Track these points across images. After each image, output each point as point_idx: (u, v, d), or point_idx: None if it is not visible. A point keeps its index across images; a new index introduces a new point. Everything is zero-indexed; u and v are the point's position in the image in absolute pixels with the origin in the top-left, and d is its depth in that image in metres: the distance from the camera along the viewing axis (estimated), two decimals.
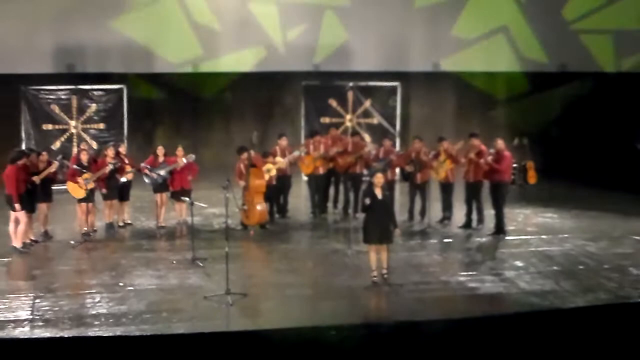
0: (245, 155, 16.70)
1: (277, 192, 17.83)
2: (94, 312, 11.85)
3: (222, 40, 23.16)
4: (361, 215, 13.99)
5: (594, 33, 24.32)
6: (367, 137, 21.24)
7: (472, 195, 17.04)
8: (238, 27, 23.16)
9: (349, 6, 23.31)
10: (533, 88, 24.64)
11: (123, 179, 16.94)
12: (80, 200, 16.14)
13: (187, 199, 15.32)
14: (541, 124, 24.14)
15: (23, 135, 21.17)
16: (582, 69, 24.10)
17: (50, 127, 21.47)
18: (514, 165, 19.60)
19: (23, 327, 11.22)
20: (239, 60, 23.36)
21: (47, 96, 21.49)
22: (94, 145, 21.09)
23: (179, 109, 23.75)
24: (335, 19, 23.27)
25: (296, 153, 17.79)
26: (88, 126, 21.74)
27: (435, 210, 17.46)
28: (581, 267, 14.33)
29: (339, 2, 23.26)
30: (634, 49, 24.26)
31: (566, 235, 16.71)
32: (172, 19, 22.70)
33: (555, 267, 14.27)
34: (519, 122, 24.01)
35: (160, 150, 17.20)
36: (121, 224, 17.21)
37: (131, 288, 12.95)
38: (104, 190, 16.63)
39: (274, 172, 17.21)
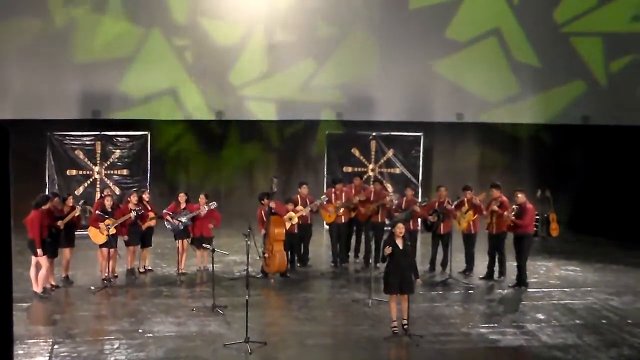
0: (266, 201, 16.75)
1: (298, 240, 17.82)
2: (112, 358, 11.84)
3: (245, 88, 23.33)
4: (382, 265, 13.94)
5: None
6: (389, 187, 21.19)
7: (495, 246, 16.95)
8: (262, 76, 23.33)
9: (374, 56, 23.42)
10: (556, 140, 24.58)
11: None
12: (102, 246, 16.18)
13: (208, 246, 15.33)
14: (564, 176, 24.05)
15: (47, 180, 21.26)
16: (605, 121, 23.99)
17: (74, 172, 21.52)
18: (537, 217, 19.49)
19: None
20: (262, 108, 23.52)
21: (72, 142, 21.56)
22: (117, 191, 21.13)
23: (203, 156, 23.89)
24: (360, 69, 23.40)
25: (317, 201, 17.80)
26: (112, 172, 21.78)
27: (458, 261, 17.38)
28: (604, 321, 14.20)
29: (363, 52, 23.38)
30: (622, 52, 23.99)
31: (589, 288, 16.57)
32: (197, 67, 22.92)
33: (577, 321, 14.15)
34: (541, 174, 23.95)
35: (181, 197, 17.22)
36: (142, 270, 17.22)
37: (150, 335, 12.94)
38: (126, 237, 16.67)
39: (295, 220, 17.22)
